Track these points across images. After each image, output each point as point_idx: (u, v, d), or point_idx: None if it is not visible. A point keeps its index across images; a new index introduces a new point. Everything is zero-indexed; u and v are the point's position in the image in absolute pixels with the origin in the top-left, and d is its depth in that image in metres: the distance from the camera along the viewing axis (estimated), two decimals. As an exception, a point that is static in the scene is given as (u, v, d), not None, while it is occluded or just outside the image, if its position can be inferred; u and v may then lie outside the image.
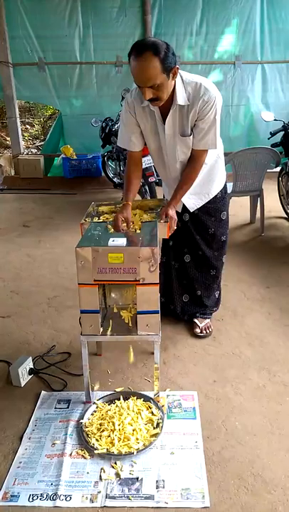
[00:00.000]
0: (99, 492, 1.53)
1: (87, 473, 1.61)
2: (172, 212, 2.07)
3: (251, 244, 3.86)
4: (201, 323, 2.48)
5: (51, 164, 6.48)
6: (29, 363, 2.14)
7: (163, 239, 2.42)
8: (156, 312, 1.79)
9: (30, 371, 2.13)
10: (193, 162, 2.08)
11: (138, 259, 1.69)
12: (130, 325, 1.91)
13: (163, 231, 2.05)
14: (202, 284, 2.46)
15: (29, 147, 10.05)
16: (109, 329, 1.87)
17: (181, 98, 1.89)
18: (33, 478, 1.59)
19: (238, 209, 4.47)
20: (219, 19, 5.72)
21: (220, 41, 5.81)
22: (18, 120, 6.36)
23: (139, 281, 1.72)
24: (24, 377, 2.10)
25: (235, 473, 1.59)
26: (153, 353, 1.89)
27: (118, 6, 5.72)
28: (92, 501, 1.50)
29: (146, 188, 4.52)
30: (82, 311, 1.79)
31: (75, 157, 5.94)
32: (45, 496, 1.52)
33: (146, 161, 4.47)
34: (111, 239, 1.75)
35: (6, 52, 5.88)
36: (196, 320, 2.49)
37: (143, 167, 4.52)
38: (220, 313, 2.63)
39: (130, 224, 1.97)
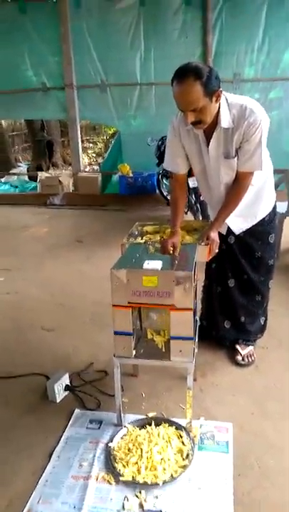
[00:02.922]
0: (120, 521, 1.49)
1: (111, 499, 1.58)
2: (214, 235, 2.03)
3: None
4: (243, 350, 2.38)
5: (109, 181, 6.65)
6: (66, 379, 2.17)
7: (206, 262, 2.39)
8: (190, 339, 1.74)
9: (66, 387, 2.16)
10: (238, 184, 2.02)
11: (172, 283, 1.66)
12: (164, 350, 1.87)
13: (203, 254, 2.01)
14: (246, 310, 2.36)
15: (91, 164, 10.45)
16: (142, 352, 1.85)
17: (225, 121, 1.86)
18: (57, 498, 1.59)
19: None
20: (282, 36, 5.59)
21: (282, 58, 5.67)
22: (80, 140, 6.62)
23: (172, 305, 1.69)
24: (60, 394, 2.13)
25: (266, 519, 1.48)
26: (191, 379, 1.83)
27: (179, 27, 5.81)
28: (112, 530, 1.46)
29: (198, 206, 4.49)
30: (115, 333, 1.79)
31: (131, 175, 6.05)
32: (66, 518, 1.51)
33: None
34: (146, 261, 1.74)
35: (71, 75, 6.17)
36: (238, 347, 2.39)
37: (195, 186, 4.56)
38: (264, 340, 2.50)
39: (177, 250, 1.95)
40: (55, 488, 1.63)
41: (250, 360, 2.35)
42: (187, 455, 1.73)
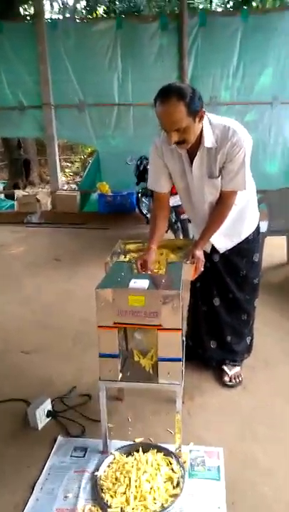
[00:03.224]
0: None
1: (98, 534, 1.49)
2: (199, 253, 2.01)
3: (287, 286, 3.69)
4: (230, 371, 2.34)
5: (87, 199, 6.62)
6: (48, 405, 2.07)
7: (191, 280, 2.37)
8: (178, 360, 1.69)
9: (48, 413, 2.06)
10: (222, 203, 2.02)
11: (160, 303, 1.62)
12: (151, 372, 1.82)
13: (188, 272, 1.98)
14: (232, 330, 2.33)
15: (69, 183, 10.41)
16: (129, 375, 1.79)
17: (209, 141, 1.87)
18: (41, 535, 1.49)
19: (274, 249, 4.33)
20: (256, 61, 5.78)
21: (257, 82, 5.86)
22: (58, 158, 6.60)
23: (160, 325, 1.64)
24: (42, 420, 2.03)
25: None
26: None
27: (156, 51, 5.94)
28: None
29: (179, 224, 4.49)
30: (101, 355, 1.73)
31: (110, 193, 6.05)
32: None
33: (178, 199, 4.47)
34: (133, 280, 1.69)
35: (49, 94, 6.18)
36: (225, 367, 2.36)
37: (176, 204, 4.56)
38: (251, 361, 2.47)
39: (150, 267, 1.92)
40: (38, 524, 1.53)
41: (237, 381, 2.31)
42: (178, 483, 1.66)
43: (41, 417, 2.03)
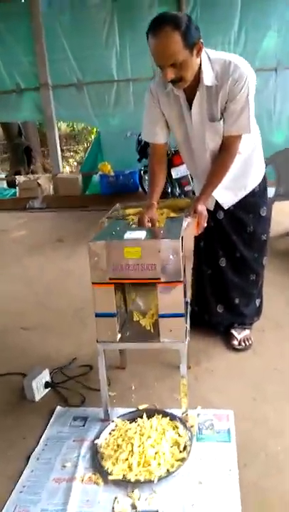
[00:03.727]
0: (110, 526, 1.28)
1: (99, 502, 1.37)
2: (201, 208, 1.84)
3: (297, 252, 3.52)
4: (239, 334, 2.20)
5: (89, 182, 6.47)
6: (45, 376, 1.96)
7: (194, 240, 2.22)
8: (180, 315, 1.55)
9: (46, 384, 1.95)
10: (225, 151, 1.86)
11: (158, 254, 1.48)
12: (152, 331, 1.68)
13: (191, 228, 1.83)
14: (240, 291, 2.18)
15: (73, 172, 10.26)
16: (128, 335, 1.65)
17: (208, 78, 1.70)
18: (36, 505, 1.37)
19: (282, 216, 4.14)
20: (258, 26, 5.52)
21: (260, 47, 5.61)
22: (58, 140, 6.44)
23: (159, 279, 1.50)
24: (39, 391, 1.91)
25: (278, 507, 1.29)
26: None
27: (154, 21, 5.72)
28: (101, 537, 1.25)
29: (184, 197, 4.34)
30: (97, 315, 1.60)
31: (112, 173, 5.89)
32: (47, 527, 1.30)
33: (182, 170, 4.32)
34: (128, 232, 1.56)
35: (46, 75, 6.01)
36: (233, 331, 2.21)
37: (178, 176, 4.42)
38: (260, 323, 2.32)
39: (156, 223, 1.77)
40: (33, 494, 1.41)
41: (247, 343, 2.17)
42: (184, 447, 1.53)
43: (39, 389, 1.91)
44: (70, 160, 12.27)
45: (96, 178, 6.34)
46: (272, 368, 2.00)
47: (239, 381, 1.93)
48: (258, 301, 2.26)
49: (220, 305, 2.23)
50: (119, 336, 1.63)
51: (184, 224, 1.70)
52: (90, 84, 6.06)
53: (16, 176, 6.98)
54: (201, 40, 1.62)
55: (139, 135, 5.11)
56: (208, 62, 1.71)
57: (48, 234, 4.84)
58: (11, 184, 7.12)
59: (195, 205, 1.85)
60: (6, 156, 11.01)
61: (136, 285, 1.77)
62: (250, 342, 2.18)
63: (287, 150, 3.34)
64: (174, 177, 4.28)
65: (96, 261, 1.52)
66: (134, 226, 1.77)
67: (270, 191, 3.32)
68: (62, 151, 10.70)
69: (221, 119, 1.78)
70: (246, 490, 1.37)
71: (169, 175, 4.35)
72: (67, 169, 10.31)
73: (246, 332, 2.22)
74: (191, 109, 1.80)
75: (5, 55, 6.03)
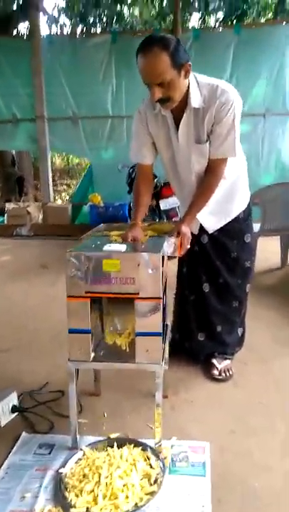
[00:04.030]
0: None
1: (57, 538, 1.23)
2: (185, 230, 1.81)
3: (282, 287, 3.48)
4: (219, 364, 2.11)
5: (79, 212, 6.48)
6: (13, 399, 1.83)
7: (178, 265, 2.18)
8: (157, 334, 1.48)
9: (13, 409, 1.82)
10: (211, 173, 1.86)
11: (137, 268, 1.42)
12: (128, 350, 1.60)
13: (173, 248, 1.79)
14: (223, 318, 2.12)
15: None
16: (102, 355, 1.57)
17: (196, 100, 1.72)
18: (-13, 539, 1.23)
19: (268, 253, 4.15)
20: (249, 74, 5.78)
21: (249, 94, 5.84)
22: (50, 170, 6.50)
23: (137, 294, 1.44)
24: (5, 415, 1.78)
25: None
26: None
27: (151, 64, 5.96)
28: None
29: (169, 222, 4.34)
30: (70, 331, 1.51)
31: (102, 204, 5.91)
32: None
33: (171, 202, 4.34)
34: (108, 245, 1.51)
35: (43, 107, 6.15)
36: (214, 360, 2.13)
37: (166, 208, 4.44)
38: (243, 356, 2.25)
39: (139, 241, 1.72)
40: (-14, 527, 1.27)
41: (227, 374, 2.08)
42: (156, 480, 1.41)
43: (5, 413, 1.79)
44: (63, 194, 12.38)
45: (86, 208, 6.34)
46: (255, 401, 1.91)
47: (218, 412, 1.82)
48: (240, 331, 2.20)
49: (201, 333, 2.15)
50: (92, 355, 1.54)
51: (167, 243, 1.65)
52: (85, 119, 6.20)
53: (6, 203, 6.96)
54: (189, 63, 1.65)
55: (131, 168, 5.18)
56: (196, 85, 1.74)
57: (33, 260, 4.76)
58: (1, 212, 7.09)
59: (179, 226, 1.82)
60: (-1, 186, 11.06)
61: (114, 303, 1.70)
62: (230, 373, 2.09)
63: (271, 187, 3.38)
64: (162, 208, 4.30)
65: (73, 272, 1.46)
66: (115, 239, 1.72)
67: (256, 226, 3.37)
68: (55, 185, 10.80)
69: (207, 141, 1.79)
70: (220, 529, 1.25)
71: (158, 206, 4.37)
72: (59, 202, 10.36)
73: (227, 362, 2.14)
74: (178, 130, 1.81)
75: (4, 87, 6.17)
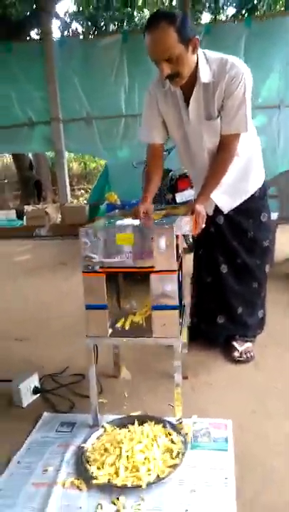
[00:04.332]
0: (90, 533, 1.14)
1: (80, 507, 1.23)
2: (200, 208, 1.79)
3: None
4: (240, 346, 2.08)
5: (96, 211, 6.53)
6: (34, 381, 1.85)
7: (194, 248, 2.17)
8: (174, 308, 1.47)
9: (35, 390, 1.83)
10: (223, 150, 1.84)
11: (151, 241, 1.42)
12: (144, 325, 1.59)
13: (188, 226, 1.78)
14: (243, 300, 2.09)
15: (82, 206, 10.37)
16: (120, 331, 1.57)
17: (205, 75, 1.71)
18: (10, 509, 1.24)
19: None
20: (261, 66, 5.73)
21: (263, 86, 5.80)
22: (66, 171, 6.58)
23: (152, 267, 1.44)
24: (27, 396, 1.80)
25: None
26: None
27: (163, 60, 5.98)
28: None
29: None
30: (87, 307, 1.52)
31: (118, 202, 5.94)
32: (20, 532, 1.16)
33: (186, 195, 4.32)
34: (121, 220, 1.51)
35: (57, 110, 6.24)
36: (234, 343, 2.10)
37: (182, 201, 4.41)
38: (263, 339, 2.21)
39: (151, 214, 1.72)
40: (9, 498, 1.28)
41: (248, 356, 2.05)
42: (178, 454, 1.40)
43: (26, 394, 1.80)
44: (81, 198, 12.51)
45: (103, 207, 6.39)
46: (275, 384, 1.86)
47: (239, 394, 1.80)
48: (260, 313, 2.16)
49: (220, 315, 2.12)
50: (110, 331, 1.54)
51: (181, 221, 1.64)
52: (99, 119, 6.27)
53: (25, 206, 7.07)
54: (197, 37, 1.64)
55: (145, 164, 5.19)
56: (205, 60, 1.73)
57: (52, 258, 4.82)
58: (20, 215, 7.20)
59: (193, 205, 1.81)
60: (17, 194, 11.24)
61: (130, 283, 1.70)
62: (251, 354, 2.06)
63: (288, 173, 3.32)
64: (178, 201, 4.28)
65: (87, 248, 1.47)
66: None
67: (274, 215, 3.31)
68: (72, 189, 10.90)
69: (218, 117, 1.78)
70: (244, 504, 1.22)
71: (174, 200, 4.35)
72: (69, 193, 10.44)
73: (248, 344, 2.10)
74: (188, 107, 1.80)
75: (19, 91, 6.29)
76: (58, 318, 2.81)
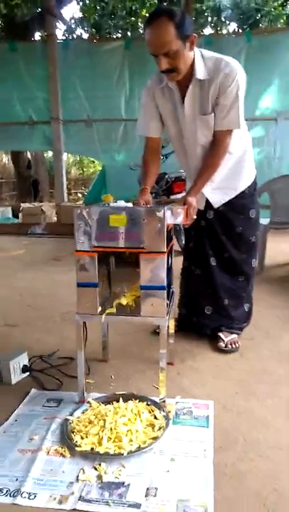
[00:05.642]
0: (72, 493, 1.19)
1: (63, 472, 1.28)
2: (191, 199, 1.87)
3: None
4: (226, 337, 2.14)
5: (92, 213, 6.59)
6: (24, 359, 1.90)
7: (184, 241, 2.24)
8: (162, 288, 1.53)
9: (24, 369, 1.88)
10: (216, 146, 1.92)
11: (142, 222, 1.49)
12: (134, 305, 1.65)
13: (179, 217, 1.85)
14: (229, 292, 2.16)
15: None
16: (109, 309, 1.62)
17: (200, 72, 1.80)
18: (-4, 471, 1.28)
19: (280, 247, 4.17)
20: (260, 80, 5.87)
21: (261, 98, 5.94)
22: (64, 170, 6.65)
23: (142, 248, 1.50)
24: (16, 374, 1.85)
25: (252, 489, 1.20)
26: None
27: (164, 68, 6.12)
28: (60, 502, 1.16)
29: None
30: (78, 285, 1.58)
31: (114, 204, 6.02)
32: (5, 491, 1.21)
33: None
34: (115, 202, 1.58)
35: (58, 110, 6.33)
36: (220, 334, 2.16)
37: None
38: (250, 332, 2.28)
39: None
40: (-6, 462, 1.32)
41: (233, 346, 2.11)
42: (159, 428, 1.45)
43: (16, 371, 1.85)
44: (78, 203, 12.57)
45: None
46: (259, 369, 1.93)
47: (223, 378, 1.86)
48: (246, 306, 2.23)
49: (208, 306, 2.19)
50: (99, 308, 1.60)
51: (173, 211, 1.71)
52: (98, 122, 6.36)
53: (21, 203, 7.13)
54: (194, 35, 1.73)
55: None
56: (201, 58, 1.82)
57: (46, 254, 4.88)
58: (16, 215, 7.25)
59: (185, 197, 1.89)
60: (14, 194, 11.29)
61: (122, 267, 1.77)
62: (237, 345, 2.12)
63: (283, 177, 3.42)
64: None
65: (81, 228, 1.53)
66: None
67: (265, 220, 3.40)
68: (70, 194, 10.96)
69: (212, 112, 1.86)
70: (221, 471, 1.28)
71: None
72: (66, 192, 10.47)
73: (234, 336, 2.17)
74: (184, 103, 1.89)
75: (21, 91, 6.38)
76: (52, 305, 2.86)
